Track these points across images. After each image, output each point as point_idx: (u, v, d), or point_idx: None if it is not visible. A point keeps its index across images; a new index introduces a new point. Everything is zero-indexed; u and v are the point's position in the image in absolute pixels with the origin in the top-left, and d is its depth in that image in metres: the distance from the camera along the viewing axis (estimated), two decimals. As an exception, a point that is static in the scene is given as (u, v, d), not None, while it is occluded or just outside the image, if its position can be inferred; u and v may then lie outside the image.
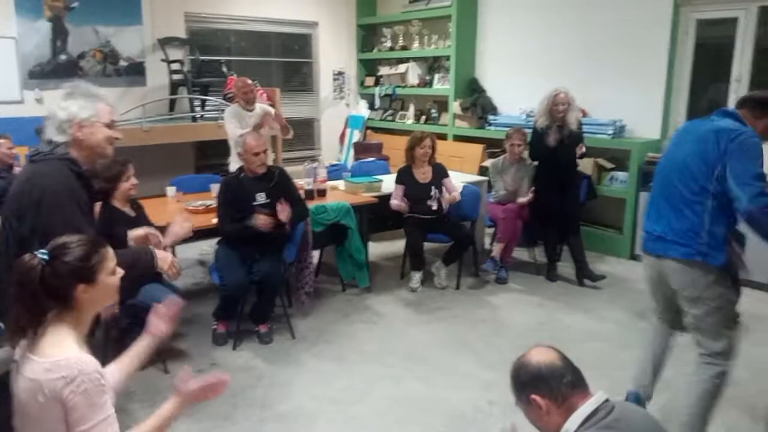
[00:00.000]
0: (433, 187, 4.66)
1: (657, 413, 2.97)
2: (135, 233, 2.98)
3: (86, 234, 1.97)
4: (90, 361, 1.52)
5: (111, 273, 1.66)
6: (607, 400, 1.57)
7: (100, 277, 1.61)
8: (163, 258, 2.31)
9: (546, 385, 1.58)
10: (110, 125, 2.12)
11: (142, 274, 2.35)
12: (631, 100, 5.54)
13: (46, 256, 1.55)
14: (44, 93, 5.74)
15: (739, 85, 5.07)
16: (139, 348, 1.88)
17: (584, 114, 5.40)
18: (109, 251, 1.67)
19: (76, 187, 2.03)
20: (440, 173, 4.75)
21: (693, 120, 2.73)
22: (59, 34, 5.81)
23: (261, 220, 3.67)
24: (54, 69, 5.78)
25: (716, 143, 2.36)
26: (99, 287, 1.61)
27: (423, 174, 4.71)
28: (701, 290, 2.48)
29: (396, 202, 4.65)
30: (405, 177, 4.71)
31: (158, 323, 1.90)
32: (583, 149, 4.75)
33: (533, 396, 1.59)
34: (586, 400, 1.56)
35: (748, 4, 4.96)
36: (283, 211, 3.70)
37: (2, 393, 1.61)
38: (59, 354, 1.50)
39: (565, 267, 5.04)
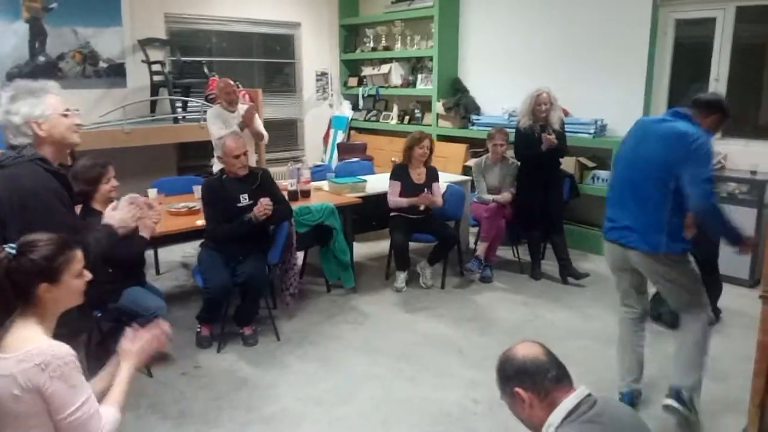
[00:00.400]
0: (425, 189, 4.68)
1: (653, 412, 3.00)
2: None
3: (80, 230, 1.95)
4: (62, 345, 1.51)
5: (76, 275, 1.65)
6: (589, 395, 1.59)
7: (64, 278, 1.61)
8: (113, 215, 2.28)
9: (530, 379, 1.60)
10: (66, 114, 2.08)
11: (122, 251, 2.39)
12: (612, 99, 5.59)
13: (13, 251, 1.54)
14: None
15: (717, 84, 5.14)
16: (108, 370, 1.83)
17: (566, 113, 5.44)
18: (78, 254, 1.66)
19: (55, 186, 2.00)
20: (432, 176, 4.77)
21: (646, 118, 3.05)
22: (37, 35, 5.73)
23: (261, 207, 3.63)
24: (32, 71, 5.69)
25: (678, 146, 2.64)
26: (62, 288, 1.61)
27: (418, 175, 4.72)
28: (670, 275, 2.80)
29: (396, 199, 4.64)
30: (401, 174, 4.71)
31: (129, 347, 1.82)
32: (552, 139, 4.58)
33: (517, 389, 1.61)
34: (569, 394, 1.58)
35: (726, 4, 5.03)
36: (265, 207, 3.67)
37: None
38: (29, 345, 1.49)
39: (549, 265, 5.08)
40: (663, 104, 5.52)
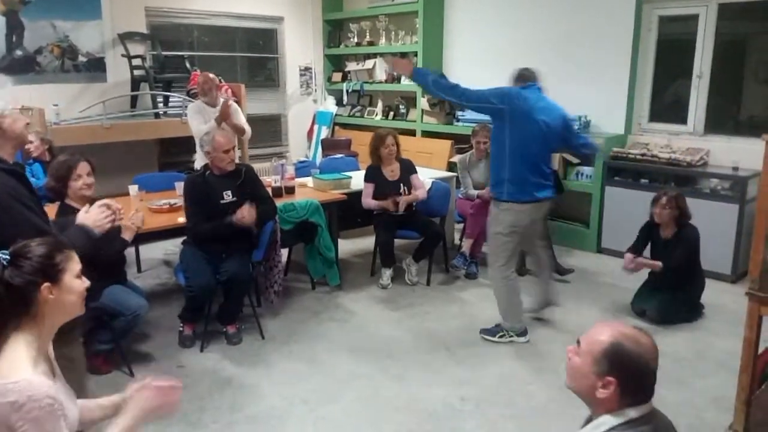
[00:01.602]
0: (402, 184, 4.65)
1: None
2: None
3: (48, 231, 1.89)
4: (41, 386, 1.42)
5: (76, 276, 1.58)
6: (653, 410, 1.49)
7: (65, 278, 1.54)
8: (86, 217, 2.24)
9: (634, 385, 1.46)
10: (21, 110, 2.07)
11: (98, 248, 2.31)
12: (596, 95, 5.61)
13: (6, 256, 1.47)
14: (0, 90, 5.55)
15: (700, 81, 5.18)
16: (110, 402, 1.75)
17: (551, 109, 5.43)
18: (74, 254, 1.60)
19: (13, 184, 1.93)
20: (408, 169, 4.74)
21: (537, 93, 3.62)
22: (14, 28, 5.61)
23: (244, 214, 3.58)
24: (10, 65, 5.58)
25: (564, 127, 3.65)
26: (64, 289, 1.54)
27: (391, 171, 4.69)
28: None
29: (367, 201, 4.63)
30: (374, 175, 4.68)
31: (136, 392, 1.71)
32: None
33: (610, 379, 1.44)
34: (640, 405, 1.47)
35: (708, 1, 5.06)
36: (249, 215, 3.62)
37: None
38: (10, 375, 1.41)
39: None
40: (646, 101, 5.56)
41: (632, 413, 1.45)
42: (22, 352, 1.46)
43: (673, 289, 4.00)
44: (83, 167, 3.14)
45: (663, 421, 1.52)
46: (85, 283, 1.62)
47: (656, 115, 5.56)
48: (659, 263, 3.95)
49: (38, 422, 1.40)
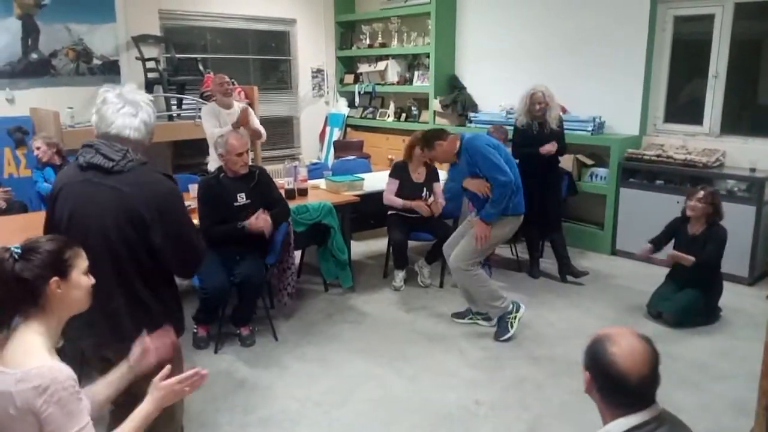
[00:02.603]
0: (425, 188, 4.65)
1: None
2: None
3: (199, 234, 2.10)
4: (63, 369, 1.46)
5: (84, 273, 1.61)
6: (657, 416, 1.46)
7: (73, 274, 1.57)
8: None
9: (605, 385, 1.48)
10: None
11: None
12: (611, 96, 5.56)
13: (18, 250, 1.50)
14: (15, 93, 5.59)
15: (716, 81, 5.13)
16: (116, 376, 1.78)
17: (564, 111, 5.41)
18: (82, 252, 1.63)
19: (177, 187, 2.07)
20: (433, 176, 4.75)
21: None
22: (30, 32, 5.66)
23: (260, 224, 3.59)
24: (25, 68, 5.63)
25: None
26: (71, 284, 1.57)
27: (418, 174, 4.69)
28: None
29: (391, 197, 4.64)
30: (400, 173, 4.68)
31: (141, 356, 1.78)
32: (551, 149, 4.64)
33: (588, 374, 1.50)
34: (640, 412, 1.46)
35: (724, 1, 5.01)
36: (264, 223, 3.63)
37: None
38: (30, 363, 1.44)
39: (548, 263, 5.05)
40: (662, 101, 5.51)
41: (633, 420, 1.44)
42: (36, 341, 1.49)
43: (691, 290, 3.95)
44: None
45: (677, 426, 1.50)
46: (91, 280, 1.64)
47: (671, 116, 5.51)
48: (692, 258, 3.88)
49: (63, 404, 1.42)
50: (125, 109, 1.95)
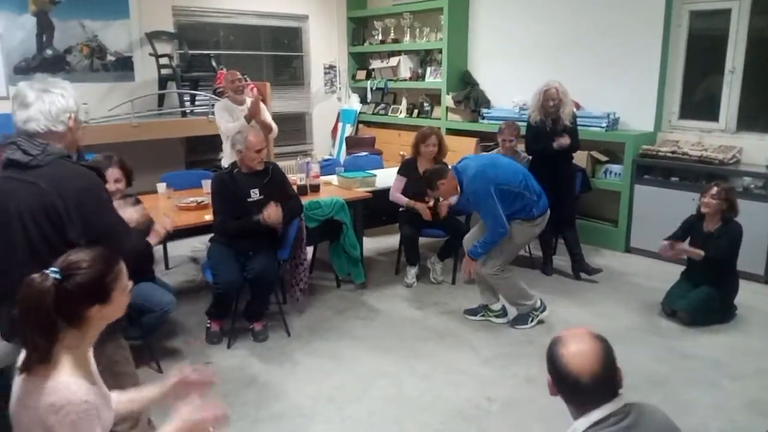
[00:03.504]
0: None
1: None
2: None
3: (126, 224, 2.04)
4: (78, 390, 1.44)
5: (124, 289, 1.59)
6: (624, 406, 1.50)
7: (114, 296, 1.54)
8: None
9: (563, 386, 1.53)
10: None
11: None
12: (625, 92, 5.51)
13: (57, 275, 1.45)
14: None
15: (733, 77, 5.06)
16: (144, 395, 1.78)
17: (578, 107, 5.37)
18: (123, 267, 1.60)
19: (100, 181, 2.02)
20: None
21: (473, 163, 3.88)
22: (45, 28, 5.70)
23: (270, 214, 3.60)
24: (40, 64, 5.67)
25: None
26: (113, 306, 1.55)
27: None
28: None
29: (397, 195, 4.63)
30: (408, 170, 4.66)
31: (176, 386, 1.75)
32: (565, 142, 4.61)
33: (550, 378, 1.57)
34: (602, 407, 1.49)
35: (741, -5, 4.94)
36: (275, 214, 3.64)
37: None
38: (52, 377, 1.43)
39: (561, 260, 5.03)
40: (677, 97, 5.45)
41: (595, 415, 1.48)
42: (62, 357, 1.47)
43: (706, 288, 3.92)
44: (112, 173, 3.12)
45: (645, 415, 1.52)
46: (130, 287, 1.63)
47: (687, 112, 5.45)
48: (701, 252, 3.87)
49: (74, 426, 1.41)
50: (25, 103, 1.94)
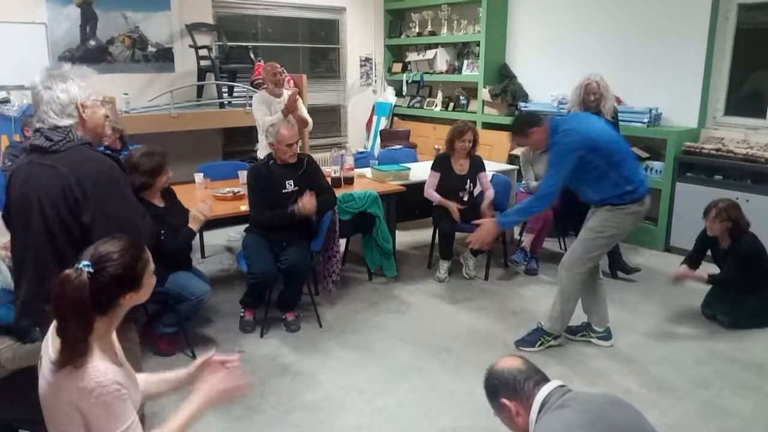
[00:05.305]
0: (468, 180, 4.59)
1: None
2: None
3: (144, 214, 2.03)
4: (109, 371, 1.47)
5: (151, 273, 1.63)
6: (561, 386, 1.70)
7: (143, 281, 1.58)
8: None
9: (512, 388, 1.72)
10: (104, 103, 2.06)
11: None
12: (668, 87, 5.37)
13: (90, 268, 1.47)
14: (74, 79, 5.77)
15: (782, 72, 4.88)
16: (173, 377, 1.82)
17: (619, 102, 5.25)
18: (148, 253, 1.63)
19: (119, 168, 2.01)
20: (477, 167, 4.68)
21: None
22: (88, 19, 5.82)
23: (305, 203, 3.63)
24: (83, 55, 5.79)
25: None
26: (143, 290, 1.59)
27: (460, 166, 4.64)
28: None
29: (430, 192, 4.61)
30: (442, 165, 4.64)
31: (202, 367, 1.76)
32: None
33: (503, 400, 1.73)
34: (542, 389, 1.69)
35: (794, -13, 4.75)
36: (309, 204, 3.66)
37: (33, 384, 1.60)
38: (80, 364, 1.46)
39: (597, 258, 4.93)
40: (722, 93, 5.28)
41: (540, 395, 1.67)
42: (91, 343, 1.50)
43: (746, 292, 3.80)
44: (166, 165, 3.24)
45: (589, 393, 1.80)
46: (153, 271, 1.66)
47: (732, 109, 5.28)
48: (704, 276, 3.83)
49: (107, 406, 1.45)
50: (36, 101, 1.97)
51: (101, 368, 1.46)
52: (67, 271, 1.46)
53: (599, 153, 3.21)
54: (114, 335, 1.64)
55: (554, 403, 1.62)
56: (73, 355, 1.44)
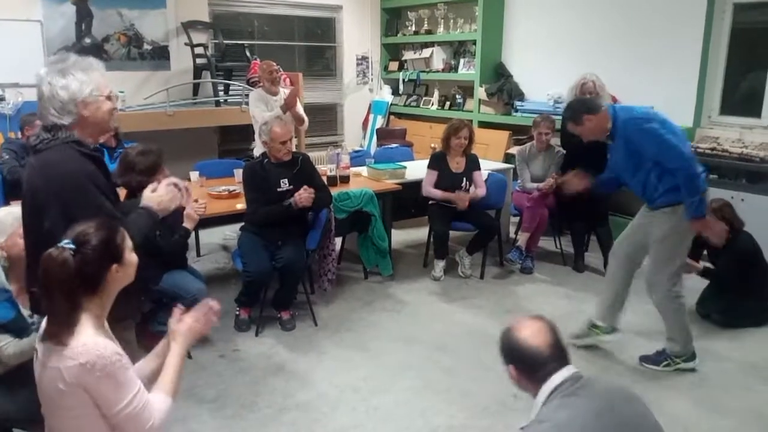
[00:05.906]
0: (464, 178, 4.60)
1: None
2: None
3: (116, 217, 1.89)
4: (107, 345, 1.51)
5: (131, 249, 1.67)
6: (576, 373, 1.67)
7: (125, 255, 1.63)
8: (152, 197, 2.09)
9: (528, 366, 1.69)
10: (110, 97, 1.99)
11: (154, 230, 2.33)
12: (663, 86, 5.37)
13: (71, 245, 1.51)
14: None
15: (777, 72, 4.90)
16: (159, 347, 1.84)
17: (615, 101, 5.25)
18: (123, 229, 1.67)
19: (91, 169, 1.90)
20: (473, 165, 4.68)
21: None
22: (84, 17, 5.81)
23: (302, 196, 3.64)
24: (79, 53, 5.61)
25: None
26: (126, 265, 1.62)
27: (457, 164, 4.64)
28: None
29: (430, 189, 4.60)
30: (438, 163, 4.64)
31: (176, 324, 1.80)
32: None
33: (514, 369, 1.73)
34: (558, 373, 1.67)
35: (789, -13, 4.77)
36: (306, 197, 3.66)
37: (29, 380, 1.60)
38: (76, 340, 1.49)
39: (593, 257, 4.95)
40: (718, 92, 5.28)
41: (556, 379, 1.64)
42: (84, 320, 1.54)
43: (740, 291, 3.81)
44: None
45: (597, 379, 1.78)
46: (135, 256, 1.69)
47: (728, 108, 5.29)
48: (699, 266, 3.84)
49: (111, 377, 1.48)
50: (39, 96, 1.90)
51: (99, 342, 1.50)
52: (50, 250, 1.50)
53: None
54: (107, 325, 1.66)
55: (565, 390, 1.62)
56: (60, 326, 1.48)
